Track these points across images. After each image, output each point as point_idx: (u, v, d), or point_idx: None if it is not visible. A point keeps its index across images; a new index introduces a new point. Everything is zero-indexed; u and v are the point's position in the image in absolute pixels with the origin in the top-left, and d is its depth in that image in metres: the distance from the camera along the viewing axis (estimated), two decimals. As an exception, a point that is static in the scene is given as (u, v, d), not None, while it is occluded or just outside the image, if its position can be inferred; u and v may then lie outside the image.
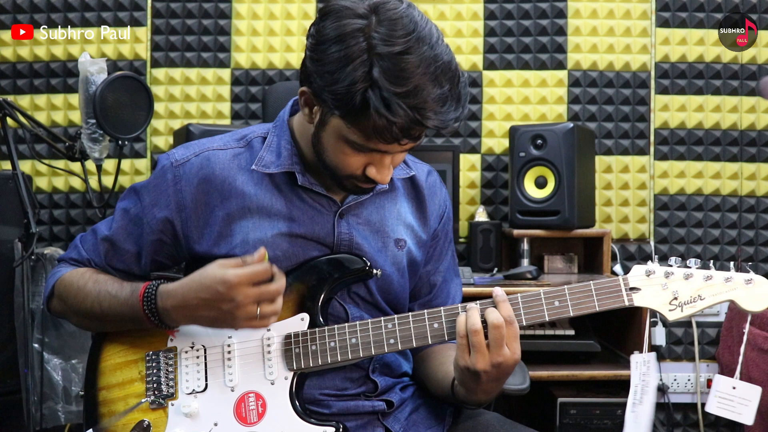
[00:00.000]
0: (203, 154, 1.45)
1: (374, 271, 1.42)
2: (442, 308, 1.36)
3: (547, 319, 1.34)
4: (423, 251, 1.55)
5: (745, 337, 1.64)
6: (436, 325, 1.36)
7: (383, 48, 1.21)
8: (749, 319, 1.38)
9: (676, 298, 1.31)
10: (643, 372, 1.39)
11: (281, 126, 1.48)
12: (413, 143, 1.31)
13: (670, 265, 1.33)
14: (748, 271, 1.31)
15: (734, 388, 1.47)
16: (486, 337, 1.28)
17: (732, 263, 1.34)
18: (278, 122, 1.49)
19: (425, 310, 1.37)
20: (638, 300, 1.32)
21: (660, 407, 3.01)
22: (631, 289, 1.32)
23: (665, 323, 3.02)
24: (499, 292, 1.32)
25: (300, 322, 1.40)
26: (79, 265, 1.51)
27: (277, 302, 1.32)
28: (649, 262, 1.34)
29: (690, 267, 1.32)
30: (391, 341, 1.36)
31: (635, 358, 1.38)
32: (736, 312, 2.78)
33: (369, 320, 1.38)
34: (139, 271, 1.50)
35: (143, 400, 1.41)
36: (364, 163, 1.34)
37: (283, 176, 1.45)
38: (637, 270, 1.33)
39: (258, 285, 1.29)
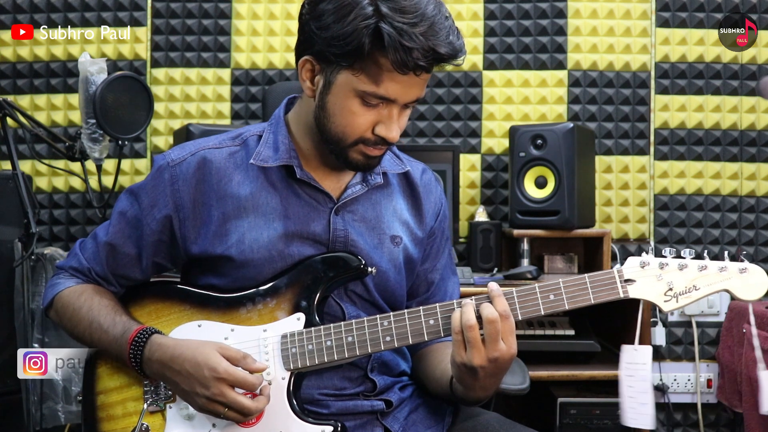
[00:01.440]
0: (199, 153, 1.46)
1: (369, 269, 1.42)
2: (437, 305, 1.36)
3: (542, 312, 1.33)
4: (419, 249, 1.55)
5: (755, 335, 1.64)
6: (431, 322, 1.36)
7: None
8: (753, 321, 1.39)
9: (671, 289, 1.31)
10: (628, 360, 1.39)
11: (277, 123, 1.49)
12: (422, 87, 1.35)
13: (665, 256, 1.33)
14: (742, 261, 1.31)
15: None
16: (481, 332, 1.28)
17: (726, 252, 1.34)
18: (274, 120, 1.50)
19: (421, 307, 1.37)
20: (633, 291, 1.32)
21: (660, 407, 3.01)
22: (626, 281, 1.32)
23: (665, 323, 3.02)
24: (493, 286, 1.32)
25: (296, 322, 1.39)
26: (79, 275, 1.51)
27: (243, 415, 1.32)
28: (644, 254, 1.34)
29: (684, 257, 1.32)
30: (388, 338, 1.36)
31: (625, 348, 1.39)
32: (736, 312, 2.78)
33: (365, 318, 1.38)
34: (141, 276, 1.50)
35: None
36: (373, 121, 1.36)
37: (279, 173, 1.45)
38: (632, 261, 1.33)
39: (237, 391, 1.31)
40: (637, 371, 1.41)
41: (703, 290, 1.30)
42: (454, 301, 1.36)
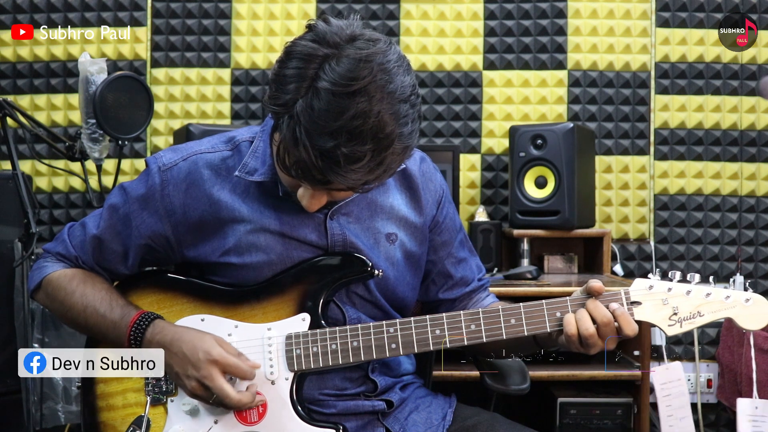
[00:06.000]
0: (191, 158, 1.45)
1: (376, 272, 1.41)
2: (444, 314, 1.37)
3: (548, 329, 1.35)
4: (419, 240, 1.53)
5: (752, 348, 1.64)
6: (438, 332, 1.36)
7: (323, 83, 1.17)
8: (752, 346, 1.39)
9: (675, 314, 1.32)
10: (662, 381, 1.38)
11: (267, 131, 1.45)
12: (324, 190, 1.28)
13: (670, 279, 1.34)
14: (746, 289, 1.32)
15: (756, 408, 1.47)
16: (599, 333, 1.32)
17: (732, 279, 1.35)
18: (265, 127, 1.47)
19: (427, 316, 1.37)
20: (639, 314, 1.33)
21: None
22: (633, 302, 1.33)
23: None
24: (596, 284, 1.33)
25: (301, 323, 1.40)
26: (65, 261, 1.51)
27: (226, 405, 1.34)
28: (651, 276, 1.35)
29: (690, 282, 1.33)
30: (393, 346, 1.37)
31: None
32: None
33: (371, 324, 1.38)
34: (126, 272, 1.50)
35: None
36: (295, 185, 1.33)
37: (270, 181, 1.43)
38: (639, 284, 1.34)
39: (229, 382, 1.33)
40: (672, 389, 1.41)
41: (707, 317, 1.31)
42: (461, 312, 1.37)
